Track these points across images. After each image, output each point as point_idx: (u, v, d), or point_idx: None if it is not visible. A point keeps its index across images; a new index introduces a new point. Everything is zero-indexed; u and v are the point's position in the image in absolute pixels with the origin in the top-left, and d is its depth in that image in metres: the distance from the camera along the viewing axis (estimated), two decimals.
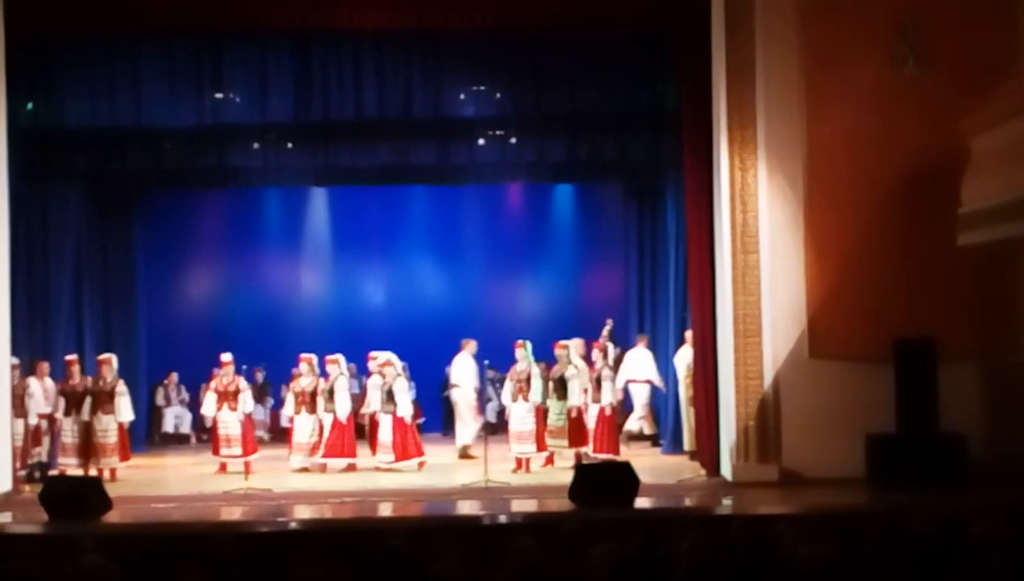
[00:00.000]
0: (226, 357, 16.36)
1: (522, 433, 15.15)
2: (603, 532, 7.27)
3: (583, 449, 15.34)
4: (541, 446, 15.17)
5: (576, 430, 15.34)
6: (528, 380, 15.27)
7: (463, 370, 17.30)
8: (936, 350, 12.88)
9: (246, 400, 16.03)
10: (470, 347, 17.31)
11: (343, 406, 15.83)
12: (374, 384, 16.18)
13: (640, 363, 17.35)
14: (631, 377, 17.20)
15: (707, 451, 14.27)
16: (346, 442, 15.84)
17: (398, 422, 15.68)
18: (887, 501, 11.98)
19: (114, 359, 16.06)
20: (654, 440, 17.59)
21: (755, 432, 13.48)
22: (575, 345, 16.00)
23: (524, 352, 15.44)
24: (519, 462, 15.03)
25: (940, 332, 12.94)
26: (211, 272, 21.67)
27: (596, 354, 15.79)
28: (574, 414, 15.41)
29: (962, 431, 12.81)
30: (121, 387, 15.79)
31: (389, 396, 15.81)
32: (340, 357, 16.55)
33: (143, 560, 6.65)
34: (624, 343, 19.32)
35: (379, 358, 16.35)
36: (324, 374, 16.34)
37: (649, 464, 14.63)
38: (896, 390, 12.91)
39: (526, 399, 15.23)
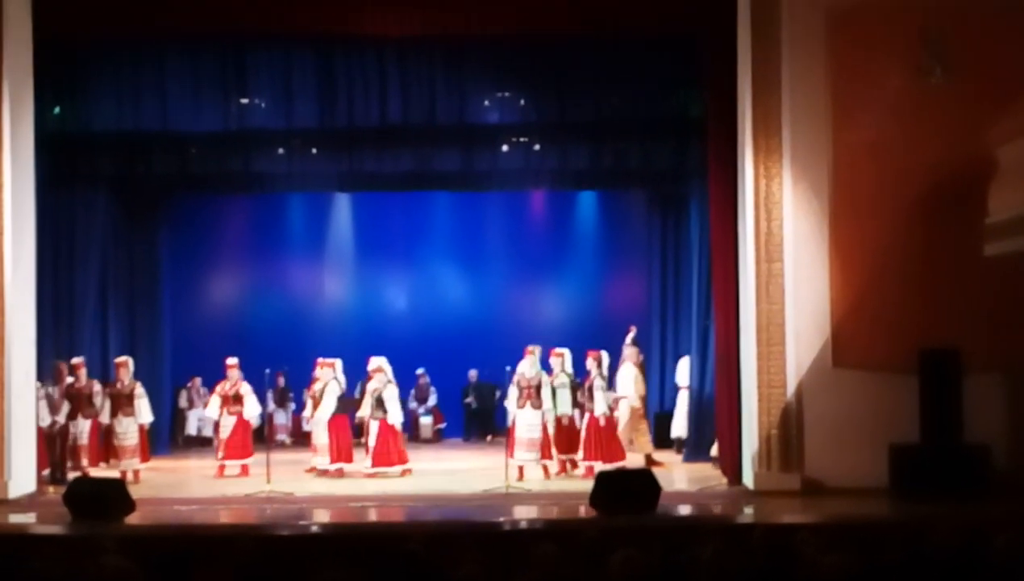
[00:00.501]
0: (231, 361, 16.51)
1: (530, 441, 14.95)
2: (623, 539, 7.26)
3: (573, 457, 15.40)
4: (546, 454, 15.01)
5: (566, 438, 15.34)
6: (538, 387, 15.10)
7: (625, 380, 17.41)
8: (961, 360, 12.82)
9: (250, 404, 16.08)
10: (633, 357, 17.41)
11: (326, 410, 15.94)
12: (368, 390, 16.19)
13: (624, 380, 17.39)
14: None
15: (729, 459, 14.23)
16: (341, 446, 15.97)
17: (386, 428, 15.69)
18: (910, 511, 11.92)
19: (130, 362, 16.13)
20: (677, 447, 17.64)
21: (778, 441, 13.43)
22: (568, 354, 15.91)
23: (534, 358, 15.27)
24: (521, 470, 14.77)
25: (965, 342, 12.87)
26: (235, 276, 21.76)
27: (590, 363, 15.73)
28: (564, 422, 15.45)
29: (986, 442, 12.74)
30: (139, 389, 15.89)
31: (379, 402, 15.78)
32: (336, 361, 16.62)
33: (164, 562, 6.68)
34: (644, 350, 19.32)
35: (371, 364, 16.31)
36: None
37: (670, 471, 14.60)
38: (920, 400, 12.86)
39: (535, 407, 15.05)
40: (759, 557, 6.78)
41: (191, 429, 19.89)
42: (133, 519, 11.56)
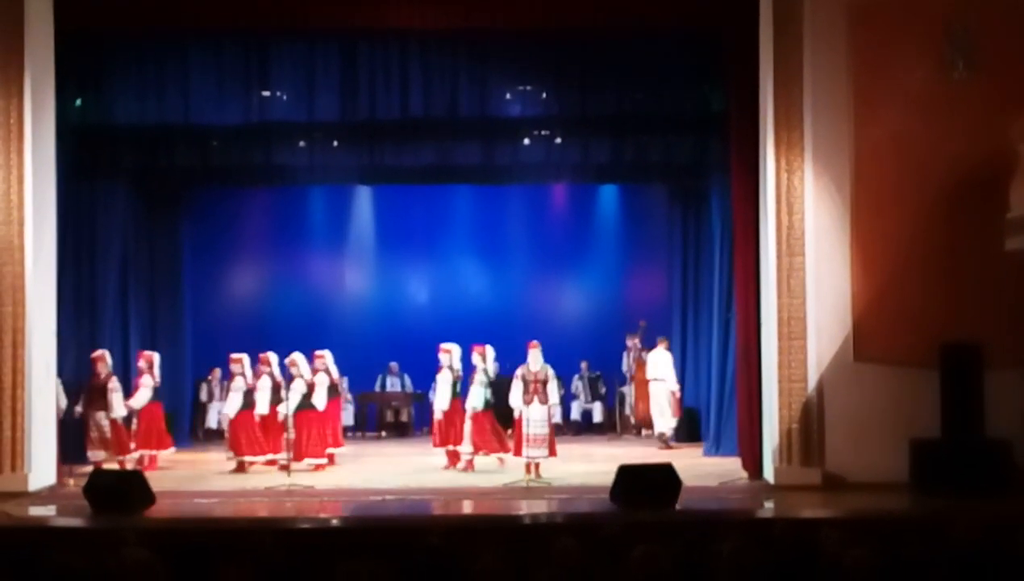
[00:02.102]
0: (235, 356, 16.57)
1: (538, 436, 14.62)
2: (644, 534, 7.26)
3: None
4: (553, 450, 14.91)
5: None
6: (545, 382, 14.90)
7: (661, 364, 17.90)
8: (982, 355, 12.77)
9: (261, 401, 16.10)
10: (665, 343, 18.02)
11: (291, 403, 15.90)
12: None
13: (659, 364, 17.93)
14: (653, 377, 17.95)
15: (749, 454, 14.21)
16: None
17: (310, 419, 15.88)
18: (931, 506, 11.88)
19: (107, 355, 15.93)
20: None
21: (798, 435, 13.40)
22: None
23: (537, 353, 15.02)
24: (529, 467, 14.51)
25: (986, 337, 12.82)
26: (256, 269, 21.80)
27: (475, 358, 15.96)
28: (555, 418, 15.45)
29: (1007, 437, 12.69)
30: (113, 383, 15.69)
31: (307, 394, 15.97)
32: (326, 353, 16.67)
33: (185, 555, 6.70)
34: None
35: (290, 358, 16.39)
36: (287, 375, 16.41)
37: (690, 465, 14.57)
38: (941, 395, 12.81)
39: (543, 402, 14.79)
40: (780, 551, 6.76)
41: (211, 422, 19.93)
42: (153, 512, 11.59)
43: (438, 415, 16.05)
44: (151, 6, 14.14)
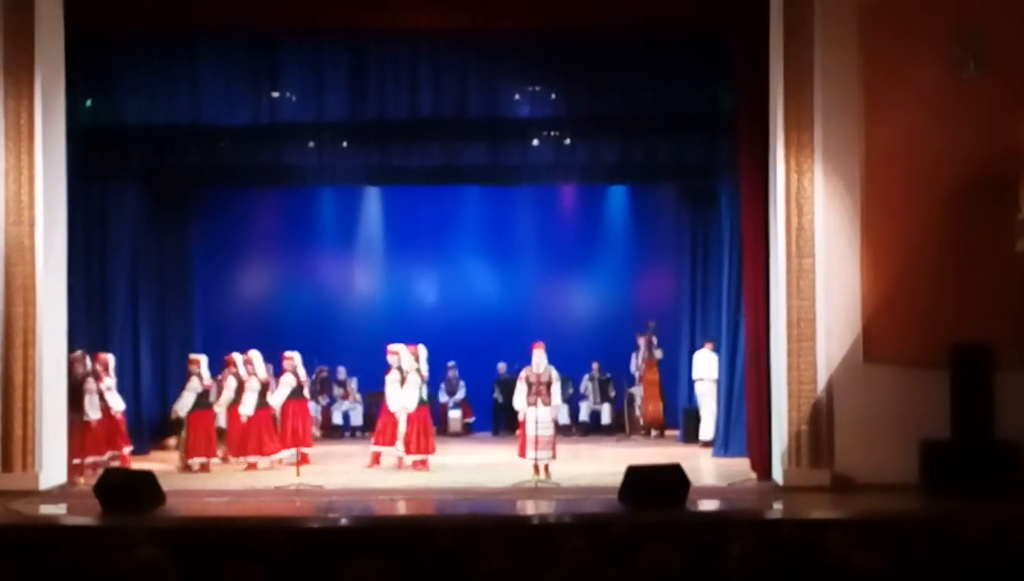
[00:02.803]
0: (192, 357, 16.72)
1: (544, 438, 14.55)
2: (652, 534, 7.25)
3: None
4: (553, 452, 14.74)
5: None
6: (549, 384, 14.77)
7: (707, 364, 18.04)
8: (992, 356, 12.74)
9: (246, 402, 16.25)
10: (711, 344, 17.99)
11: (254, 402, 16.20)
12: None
13: (705, 365, 18.13)
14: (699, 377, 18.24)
15: (758, 455, 14.19)
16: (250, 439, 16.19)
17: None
18: (941, 508, 11.87)
19: (85, 357, 15.65)
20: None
21: (807, 436, 13.38)
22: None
23: (542, 354, 14.92)
24: (537, 468, 14.42)
25: (996, 338, 12.79)
26: (265, 269, 21.82)
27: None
28: (561, 419, 15.44)
29: (1018, 438, 12.65)
30: (88, 385, 15.44)
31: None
32: (295, 354, 16.69)
33: (195, 554, 6.71)
34: (674, 345, 19.33)
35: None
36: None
37: (699, 466, 14.58)
38: (951, 396, 12.79)
39: (547, 403, 14.71)
40: (788, 553, 6.76)
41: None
42: (163, 511, 11.61)
43: (401, 416, 16.00)
44: (160, 7, 14.14)
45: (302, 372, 16.67)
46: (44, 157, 13.73)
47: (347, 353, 20.88)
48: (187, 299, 19.69)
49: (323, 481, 14.07)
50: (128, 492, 11.63)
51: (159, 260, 19.13)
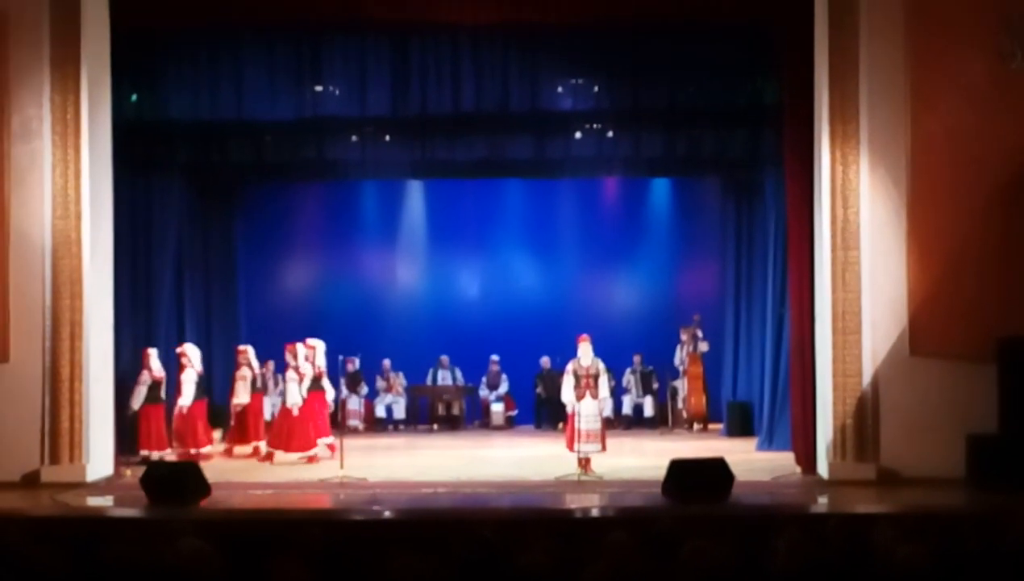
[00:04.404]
0: (242, 347, 16.92)
1: (591, 431, 14.44)
2: (696, 528, 7.22)
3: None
4: (603, 445, 14.54)
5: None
6: (596, 377, 14.67)
7: None
8: None
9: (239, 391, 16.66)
10: None
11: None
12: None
13: None
14: None
15: (803, 449, 14.12)
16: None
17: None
18: (987, 502, 11.75)
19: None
20: None
21: (853, 430, 13.31)
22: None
23: (588, 346, 14.80)
24: (580, 461, 14.39)
25: None
26: (308, 263, 21.93)
27: (288, 356, 16.25)
28: (606, 412, 15.42)
29: None
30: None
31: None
32: (248, 348, 16.98)
33: (239, 546, 6.74)
34: (718, 339, 19.26)
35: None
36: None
37: (743, 460, 14.50)
38: (999, 389, 12.68)
39: (594, 396, 14.56)
40: (834, 547, 6.72)
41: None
42: (208, 503, 11.68)
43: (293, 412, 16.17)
44: (205, 3, 14.22)
45: (322, 362, 16.59)
46: (90, 152, 13.85)
47: (390, 346, 20.94)
48: (232, 292, 19.83)
49: (367, 474, 14.11)
50: (174, 484, 11.69)
51: (204, 254, 19.27)
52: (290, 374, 16.33)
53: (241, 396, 16.58)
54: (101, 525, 10.28)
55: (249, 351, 16.84)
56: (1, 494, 12.73)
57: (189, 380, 16.14)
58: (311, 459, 15.86)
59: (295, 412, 16.05)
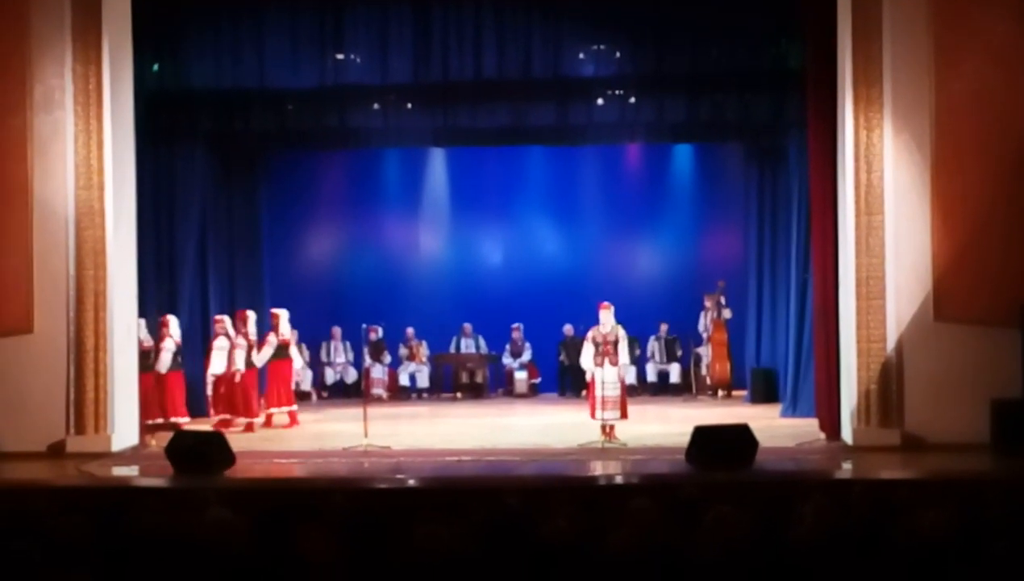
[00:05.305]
0: (218, 317, 16.91)
1: (611, 398, 14.39)
2: (720, 495, 7.23)
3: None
4: (624, 412, 14.57)
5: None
6: (616, 343, 14.56)
7: None
8: None
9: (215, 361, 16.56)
10: None
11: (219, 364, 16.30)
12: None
13: None
14: None
15: (827, 414, 14.09)
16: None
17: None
18: (1012, 467, 11.73)
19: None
20: None
21: (877, 396, 13.26)
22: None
23: (609, 314, 14.66)
24: (604, 429, 14.32)
25: None
26: (331, 231, 21.94)
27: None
28: (627, 380, 15.42)
29: None
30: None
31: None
32: (225, 318, 16.87)
33: (265, 516, 6.78)
34: (742, 305, 19.21)
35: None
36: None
37: (767, 426, 14.49)
38: (1023, 355, 12.62)
39: (613, 363, 14.47)
40: (859, 513, 6.71)
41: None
42: (233, 472, 11.74)
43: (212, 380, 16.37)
44: None
45: (286, 331, 16.91)
46: (113, 121, 13.85)
47: (413, 314, 20.95)
48: (256, 261, 19.84)
49: (391, 442, 14.15)
50: (199, 453, 11.74)
51: (227, 223, 19.28)
52: (237, 340, 16.33)
53: (216, 366, 16.37)
54: (126, 495, 10.35)
55: (226, 321, 16.62)
56: (27, 464, 12.84)
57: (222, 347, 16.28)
58: (247, 427, 15.97)
59: (236, 379, 16.23)
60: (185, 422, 15.55)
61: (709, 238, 21.33)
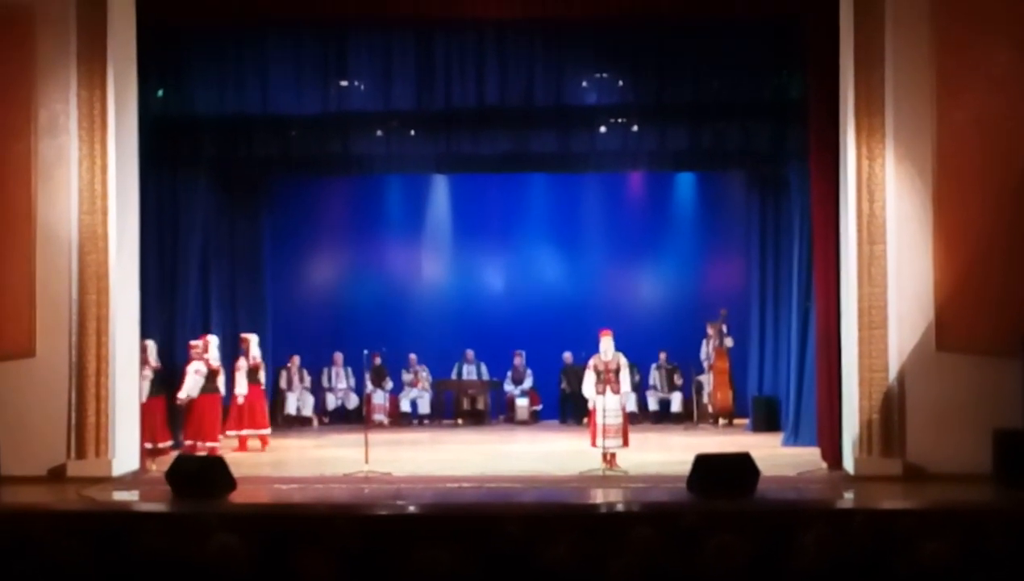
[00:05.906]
0: (193, 342, 16.67)
1: (613, 426, 14.40)
2: (721, 523, 7.21)
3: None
4: (626, 440, 14.58)
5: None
6: (617, 371, 14.59)
7: None
8: None
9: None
10: None
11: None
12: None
13: None
14: None
15: (829, 443, 14.07)
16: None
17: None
18: (1014, 498, 11.70)
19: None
20: None
21: (879, 425, 13.25)
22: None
23: (610, 341, 14.67)
24: (605, 456, 14.25)
25: None
26: (334, 257, 21.95)
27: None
28: (628, 407, 15.40)
29: None
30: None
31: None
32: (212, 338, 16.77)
33: (266, 541, 6.76)
34: (743, 334, 19.21)
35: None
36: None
37: (769, 455, 14.47)
38: None
39: (615, 391, 14.50)
40: (860, 543, 6.70)
41: (290, 408, 20.10)
42: (234, 498, 11.72)
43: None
44: None
45: (257, 355, 17.27)
46: (117, 146, 13.90)
47: (415, 340, 20.96)
48: (258, 287, 19.88)
49: (392, 468, 14.13)
50: (200, 478, 11.74)
51: (230, 248, 19.32)
52: (193, 366, 16.07)
53: (191, 390, 16.02)
54: (127, 520, 10.34)
55: (200, 345, 16.56)
56: (27, 488, 12.84)
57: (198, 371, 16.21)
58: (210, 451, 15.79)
59: (240, 401, 16.74)
60: (215, 446, 15.78)
61: (711, 266, 21.35)
